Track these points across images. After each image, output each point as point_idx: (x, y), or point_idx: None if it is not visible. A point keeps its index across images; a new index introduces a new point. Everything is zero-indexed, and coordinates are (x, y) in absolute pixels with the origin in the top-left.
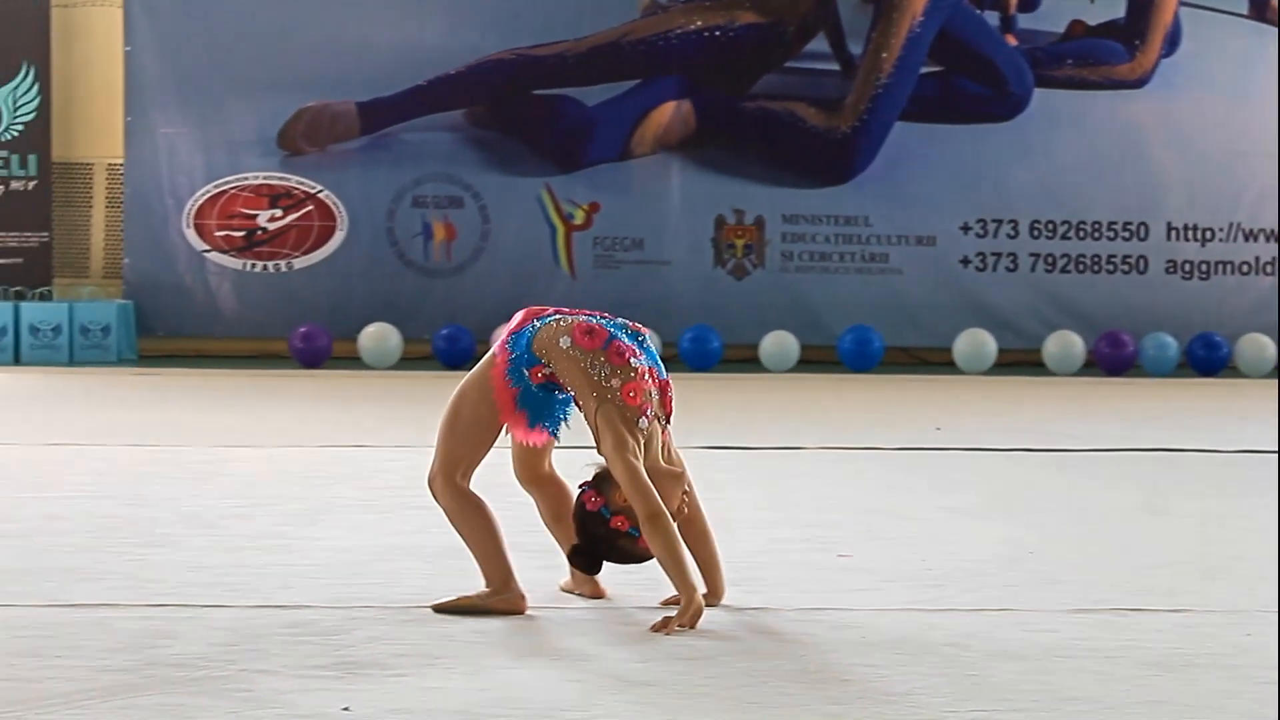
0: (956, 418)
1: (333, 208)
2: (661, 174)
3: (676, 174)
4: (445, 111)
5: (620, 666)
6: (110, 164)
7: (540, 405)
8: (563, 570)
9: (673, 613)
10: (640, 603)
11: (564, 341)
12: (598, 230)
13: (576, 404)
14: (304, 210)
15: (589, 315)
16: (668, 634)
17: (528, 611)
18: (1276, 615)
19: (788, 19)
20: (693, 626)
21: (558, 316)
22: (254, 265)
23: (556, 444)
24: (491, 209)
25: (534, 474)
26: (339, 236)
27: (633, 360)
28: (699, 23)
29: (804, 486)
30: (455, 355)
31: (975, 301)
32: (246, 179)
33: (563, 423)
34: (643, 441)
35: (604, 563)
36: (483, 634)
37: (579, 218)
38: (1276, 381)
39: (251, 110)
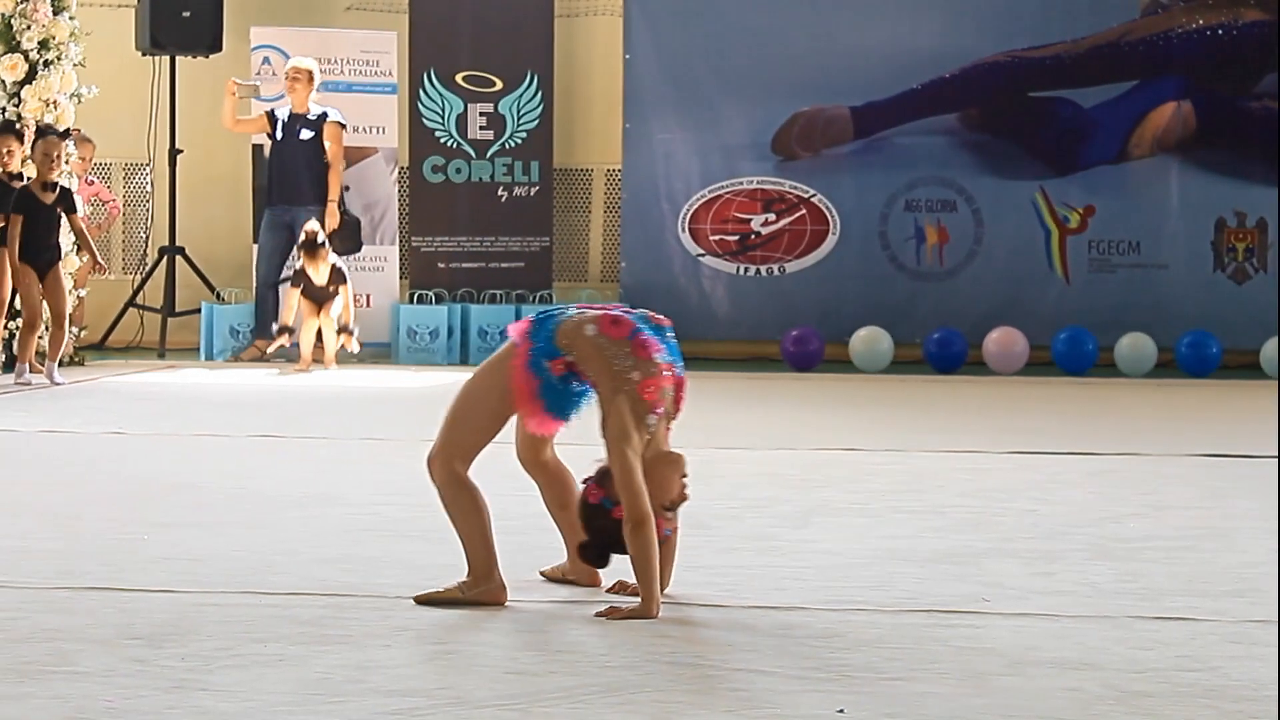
0: None
1: (825, 212)
2: (1160, 176)
3: (1175, 176)
4: (939, 115)
5: (1116, 677)
6: (609, 170)
7: (559, 396)
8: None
9: (620, 601)
10: (1136, 613)
11: (589, 330)
12: (1093, 234)
13: (594, 389)
14: (797, 214)
15: (612, 308)
16: (609, 620)
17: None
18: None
19: None
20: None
21: (579, 310)
22: (747, 269)
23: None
24: (985, 212)
25: (537, 458)
26: (831, 240)
27: (656, 355)
28: (1200, 21)
29: None
30: (947, 359)
31: None
32: (740, 183)
33: (575, 412)
34: (646, 439)
35: (611, 555)
36: (978, 639)
37: (1074, 221)
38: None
39: (746, 115)
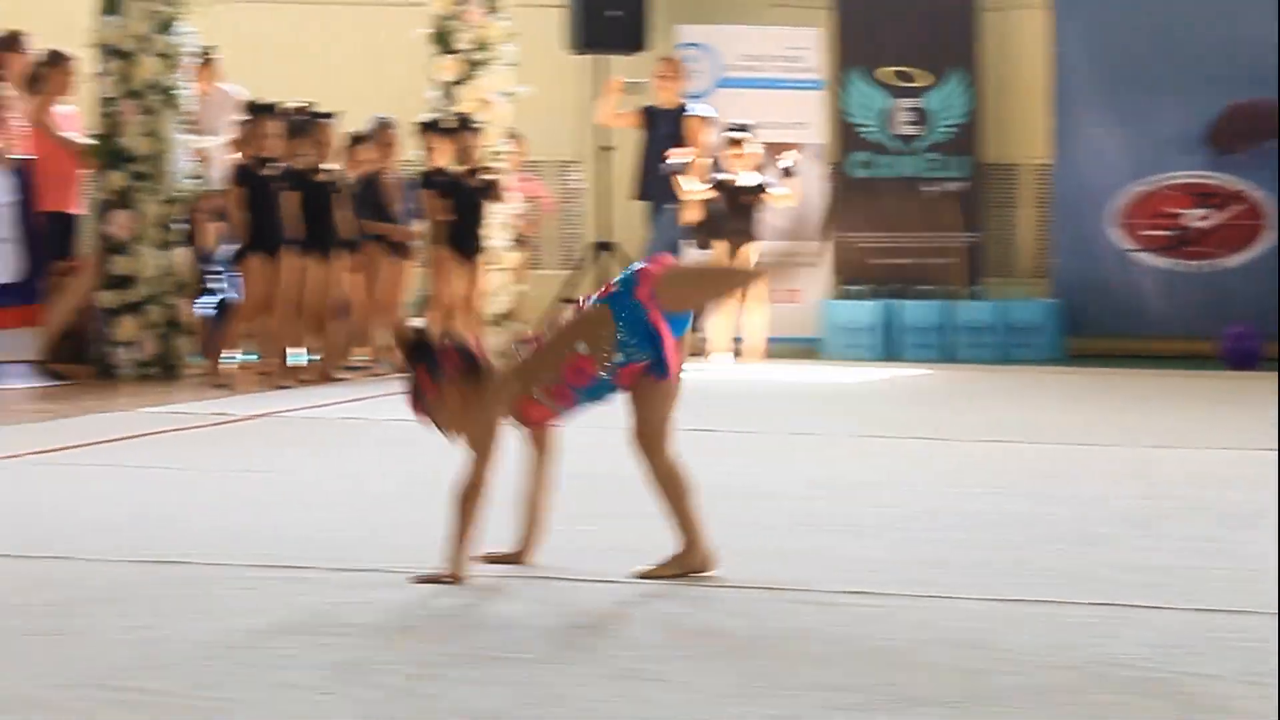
0: None
1: (1262, 207)
2: None
3: None
4: None
5: None
6: (1037, 165)
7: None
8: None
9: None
10: None
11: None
12: None
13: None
14: (1233, 210)
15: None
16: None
17: None
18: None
19: None
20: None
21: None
22: (1181, 265)
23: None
24: None
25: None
26: (1269, 236)
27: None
28: None
29: None
30: None
31: None
32: (1174, 178)
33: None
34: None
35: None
36: None
37: None
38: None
39: (1179, 108)
